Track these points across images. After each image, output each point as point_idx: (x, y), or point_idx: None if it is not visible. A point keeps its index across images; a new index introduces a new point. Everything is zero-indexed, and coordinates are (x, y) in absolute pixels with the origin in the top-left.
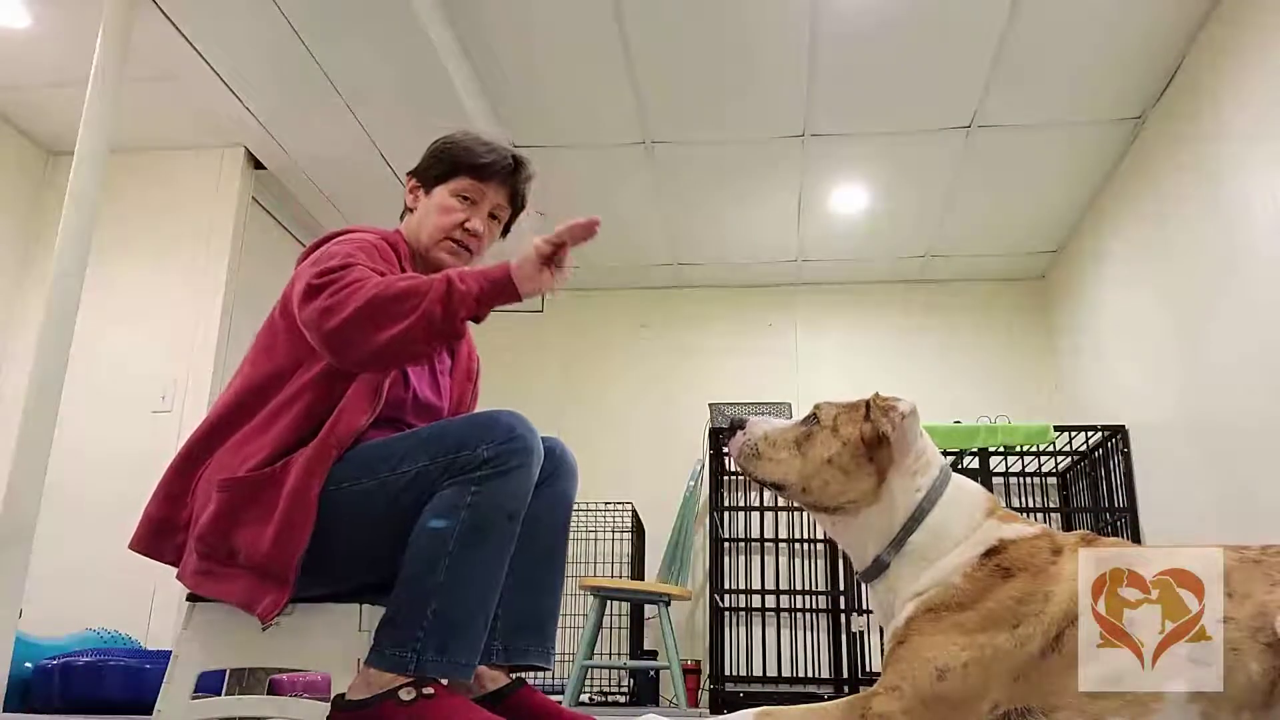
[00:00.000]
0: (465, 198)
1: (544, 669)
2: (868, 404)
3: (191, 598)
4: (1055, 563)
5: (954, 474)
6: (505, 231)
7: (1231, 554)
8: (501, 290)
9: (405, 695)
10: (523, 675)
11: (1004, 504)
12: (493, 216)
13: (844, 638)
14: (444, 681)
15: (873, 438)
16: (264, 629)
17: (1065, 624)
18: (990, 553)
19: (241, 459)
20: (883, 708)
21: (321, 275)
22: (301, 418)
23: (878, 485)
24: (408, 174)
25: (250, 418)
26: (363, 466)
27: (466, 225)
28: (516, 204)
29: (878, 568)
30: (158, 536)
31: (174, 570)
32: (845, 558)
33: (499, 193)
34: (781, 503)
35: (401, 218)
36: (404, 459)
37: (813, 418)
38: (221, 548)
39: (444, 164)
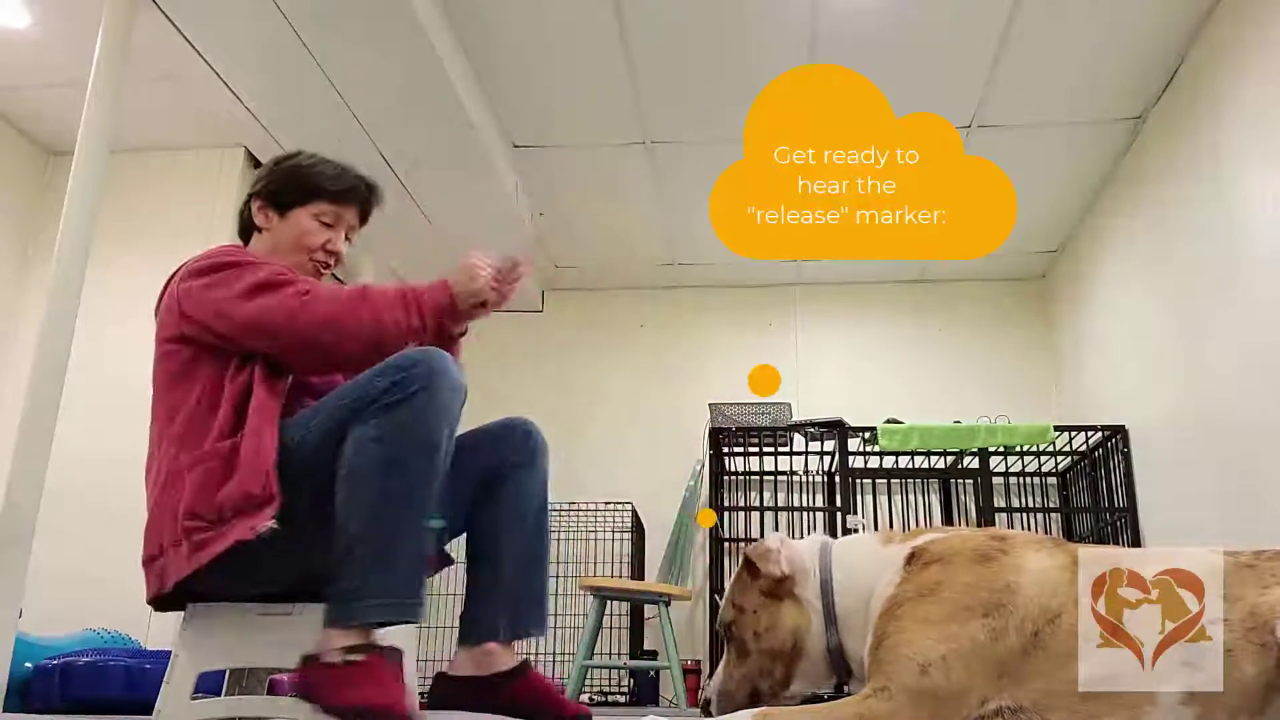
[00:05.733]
0: (324, 222)
1: (540, 635)
2: (746, 561)
3: (191, 598)
4: (1005, 551)
5: (830, 539)
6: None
7: (1225, 558)
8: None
9: (330, 658)
10: (528, 658)
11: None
12: (347, 237)
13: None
14: (381, 646)
15: (770, 585)
16: (259, 533)
17: (1043, 621)
18: (911, 559)
19: (199, 443)
20: (874, 709)
21: (273, 280)
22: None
23: (800, 610)
24: (251, 194)
25: (194, 433)
26: (295, 427)
27: (328, 247)
28: (365, 221)
29: (837, 655)
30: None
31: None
32: None
33: (354, 214)
34: (782, 503)
35: (243, 236)
36: (318, 411)
37: (727, 629)
38: (210, 512)
39: (300, 188)
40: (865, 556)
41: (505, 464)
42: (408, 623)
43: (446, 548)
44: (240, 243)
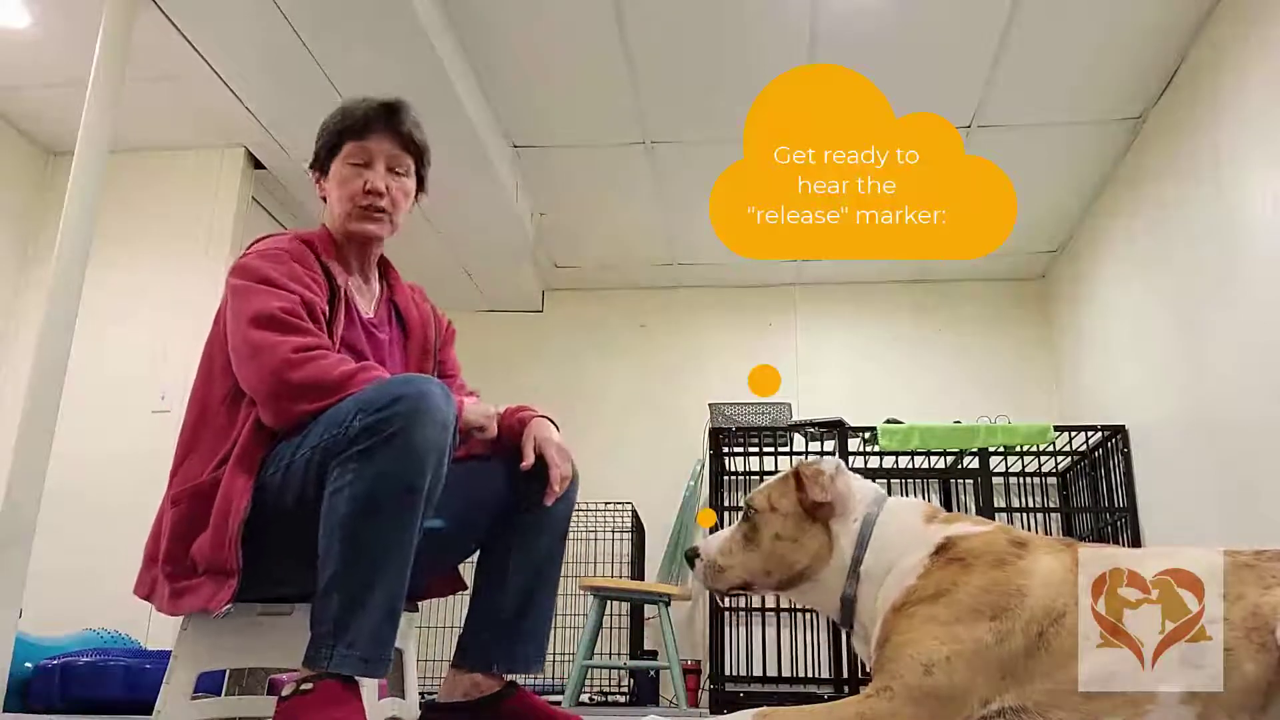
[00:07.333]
0: (355, 163)
1: (537, 671)
2: (796, 475)
3: None
4: (1021, 556)
5: (889, 496)
6: (421, 185)
7: (1225, 558)
8: None
9: (285, 691)
10: (515, 679)
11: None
12: (394, 170)
13: (844, 638)
14: (330, 671)
15: (811, 504)
16: (215, 617)
17: (1047, 622)
18: (940, 550)
19: (196, 471)
20: (876, 708)
21: (264, 327)
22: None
23: (827, 540)
24: (307, 169)
25: (205, 440)
26: (279, 456)
27: (367, 188)
28: (413, 149)
29: (847, 606)
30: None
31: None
32: None
33: (388, 145)
34: None
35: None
36: (304, 441)
37: (750, 510)
38: (184, 561)
39: (325, 142)
40: (903, 529)
41: (531, 502)
42: (370, 677)
43: (459, 569)
44: (317, 226)
